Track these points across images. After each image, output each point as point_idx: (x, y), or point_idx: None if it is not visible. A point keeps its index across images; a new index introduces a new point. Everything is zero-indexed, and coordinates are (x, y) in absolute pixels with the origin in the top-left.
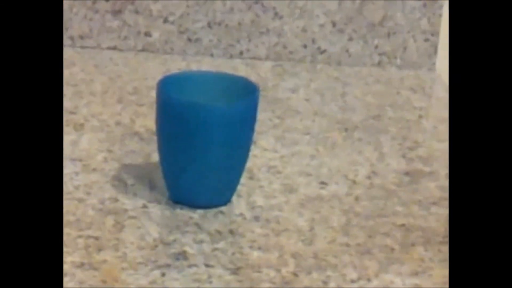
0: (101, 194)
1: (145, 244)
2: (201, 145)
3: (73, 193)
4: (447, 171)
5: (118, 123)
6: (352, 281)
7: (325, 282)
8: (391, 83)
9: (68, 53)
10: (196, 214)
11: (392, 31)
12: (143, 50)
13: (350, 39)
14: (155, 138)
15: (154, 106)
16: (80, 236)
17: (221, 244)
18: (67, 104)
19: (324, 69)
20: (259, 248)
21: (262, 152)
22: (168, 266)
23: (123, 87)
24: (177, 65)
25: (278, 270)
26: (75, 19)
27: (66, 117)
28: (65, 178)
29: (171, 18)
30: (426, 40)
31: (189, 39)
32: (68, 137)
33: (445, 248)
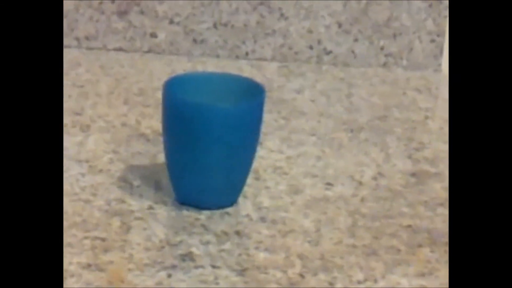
0: (107, 195)
1: (152, 245)
2: (207, 146)
3: (79, 194)
4: None
5: (124, 124)
6: (359, 282)
7: (331, 283)
8: (397, 84)
9: (74, 54)
10: (203, 215)
11: (398, 32)
12: (149, 51)
13: (356, 40)
14: (161, 139)
15: (160, 107)
16: (86, 237)
17: (227, 245)
18: (73, 105)
19: (330, 70)
20: (266, 249)
21: (268, 153)
22: (174, 267)
23: (129, 88)
24: (182, 66)
25: (285, 271)
26: (81, 20)
27: (72, 118)
28: (71, 180)
29: (176, 19)
30: (432, 41)
31: (195, 40)
32: (74, 138)
33: None
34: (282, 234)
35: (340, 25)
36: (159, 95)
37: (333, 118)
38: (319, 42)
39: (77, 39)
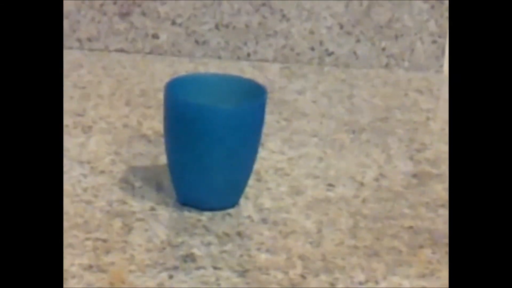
0: (108, 197)
1: (153, 246)
2: (208, 147)
3: (81, 195)
4: None
5: (125, 126)
6: (360, 283)
7: (332, 284)
8: (398, 85)
9: (75, 55)
10: (204, 216)
11: (399, 33)
12: (150, 52)
13: (358, 41)
14: (162, 140)
15: (162, 108)
16: (88, 239)
17: (228, 246)
18: (74, 106)
19: (332, 71)
20: (267, 250)
21: (269, 154)
22: (176, 268)
23: (131, 90)
24: (184, 67)
25: (286, 273)
26: (83, 21)
27: (73, 119)
28: (73, 181)
29: (178, 20)
30: (434, 42)
31: (197, 41)
32: (76, 139)
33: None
34: (283, 235)
35: (342, 27)
36: (161, 96)
37: (334, 119)
38: (321, 43)
39: (79, 40)
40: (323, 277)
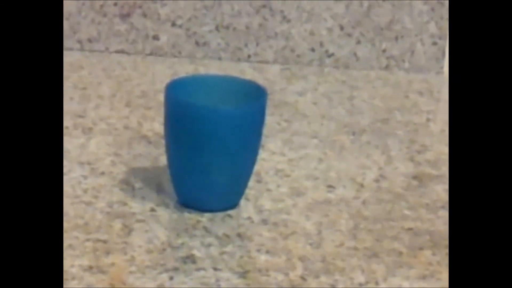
0: (109, 198)
1: (153, 247)
2: (209, 148)
3: (81, 196)
4: None
5: (126, 127)
6: (360, 285)
7: (333, 286)
8: (399, 86)
9: (76, 56)
10: (204, 218)
11: (400, 34)
12: (151, 53)
13: (358, 42)
14: (163, 141)
15: (162, 110)
16: (88, 240)
17: (229, 248)
18: (75, 107)
19: (332, 72)
20: (267, 252)
21: (270, 156)
22: (176, 269)
23: (131, 91)
24: (185, 69)
25: (286, 274)
26: (83, 22)
27: (74, 120)
28: (73, 182)
29: (179, 22)
30: (434, 43)
31: (197, 43)
32: (77, 140)
33: None
34: (283, 236)
35: (342, 28)
36: (161, 97)
37: (335, 121)
38: (321, 44)
39: (80, 41)
40: (323, 278)
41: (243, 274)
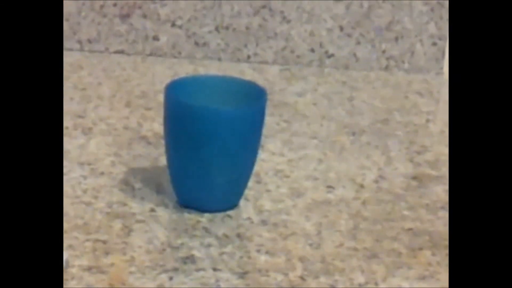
0: (108, 198)
1: (153, 248)
2: (208, 149)
3: (81, 197)
4: None
5: (126, 127)
6: (360, 285)
7: (332, 286)
8: (398, 87)
9: (76, 57)
10: (204, 218)
11: (399, 35)
12: (151, 54)
13: (358, 43)
14: (162, 142)
15: (162, 110)
16: (88, 240)
17: (228, 248)
18: (75, 108)
19: (332, 73)
20: (267, 252)
21: (269, 156)
22: (175, 270)
23: (131, 91)
24: (184, 69)
25: (286, 274)
26: (83, 23)
27: (74, 121)
28: (73, 182)
29: (178, 22)
30: (434, 44)
31: (197, 43)
32: (76, 141)
33: None
34: (283, 237)
35: (342, 29)
36: (161, 98)
37: (334, 121)
38: (321, 45)
39: (80, 42)
40: (322, 279)
41: (243, 275)
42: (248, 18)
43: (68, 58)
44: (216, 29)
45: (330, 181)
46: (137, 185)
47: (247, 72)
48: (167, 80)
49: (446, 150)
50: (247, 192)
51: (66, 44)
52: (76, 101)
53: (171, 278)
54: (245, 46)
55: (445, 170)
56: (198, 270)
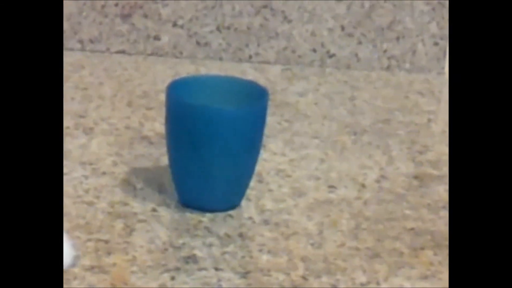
0: (110, 198)
1: (155, 247)
2: (210, 148)
3: (82, 196)
4: None
5: (127, 127)
6: (362, 285)
7: (334, 286)
8: (400, 87)
9: (77, 57)
10: (206, 218)
11: (401, 35)
12: (152, 54)
13: (359, 43)
14: (164, 141)
15: (163, 110)
16: (89, 240)
17: (230, 248)
18: (76, 107)
19: (333, 73)
20: (269, 252)
21: (271, 156)
22: (177, 269)
23: (132, 91)
24: (186, 69)
25: (288, 274)
26: (84, 23)
27: (75, 120)
28: (75, 182)
29: (180, 22)
30: (435, 44)
31: (198, 43)
32: (78, 140)
33: None
34: (285, 236)
35: (343, 28)
36: (163, 97)
37: (336, 121)
38: (322, 45)
39: (81, 41)
40: (324, 278)
41: (245, 274)
42: (249, 18)
43: (70, 58)
44: (218, 29)
45: (331, 180)
46: (139, 185)
47: (248, 72)
48: (169, 80)
49: (447, 150)
50: (248, 191)
51: (68, 44)
52: (77, 101)
53: (173, 278)
54: (247, 46)
55: (446, 170)
56: (200, 269)
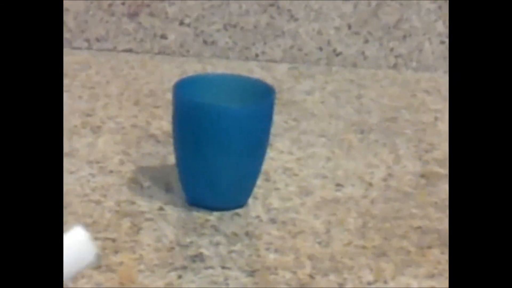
0: (117, 196)
1: (162, 246)
2: (217, 147)
3: (89, 195)
4: None
5: (134, 126)
6: (369, 284)
7: (341, 285)
8: (406, 85)
9: (84, 55)
10: (213, 217)
11: (407, 33)
12: (159, 52)
13: (366, 41)
14: (171, 140)
15: (170, 109)
16: (97, 238)
17: (237, 246)
18: (83, 106)
19: (340, 71)
20: (276, 250)
21: (278, 155)
22: (184, 268)
23: (139, 90)
24: (193, 68)
25: (295, 272)
26: (91, 21)
27: (82, 119)
28: (82, 181)
29: (187, 21)
30: (442, 42)
31: (205, 42)
32: (85, 139)
33: None
34: (292, 235)
35: (350, 27)
36: (169, 96)
37: (343, 120)
38: (329, 43)
39: (88, 40)
40: (331, 277)
41: (252, 273)
42: (256, 16)
43: (76, 57)
44: (224, 27)
45: (338, 179)
46: (146, 183)
47: (255, 71)
48: (175, 79)
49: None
50: (255, 190)
51: (74, 42)
52: (84, 100)
53: (180, 277)
54: (253, 44)
55: None
56: (207, 268)
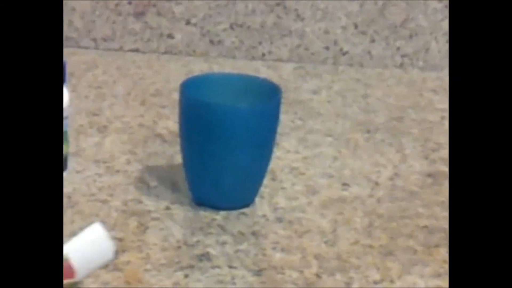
0: (124, 196)
1: (169, 245)
2: (224, 146)
3: (96, 194)
4: None
5: (141, 125)
6: (375, 283)
7: (348, 284)
8: (413, 84)
9: (91, 55)
10: (219, 216)
11: (414, 33)
12: (165, 52)
13: (372, 40)
14: (177, 140)
15: (177, 108)
16: None
17: (244, 246)
18: (90, 106)
19: (346, 70)
20: (282, 250)
21: (284, 154)
22: (191, 267)
23: (146, 89)
24: (199, 67)
25: (301, 272)
26: (98, 21)
27: (89, 119)
28: (89, 180)
29: (193, 20)
30: (448, 41)
31: (212, 41)
32: (92, 139)
33: None
34: (298, 234)
35: (356, 26)
36: (176, 96)
37: (349, 119)
38: (335, 43)
39: (94, 40)
40: (338, 276)
41: (258, 272)
42: (262, 16)
43: (83, 57)
44: (231, 27)
45: (345, 178)
46: (153, 183)
47: (261, 70)
48: (182, 78)
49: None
50: (262, 189)
51: (81, 42)
52: (91, 99)
53: (186, 276)
54: (260, 44)
55: None
56: (213, 267)
